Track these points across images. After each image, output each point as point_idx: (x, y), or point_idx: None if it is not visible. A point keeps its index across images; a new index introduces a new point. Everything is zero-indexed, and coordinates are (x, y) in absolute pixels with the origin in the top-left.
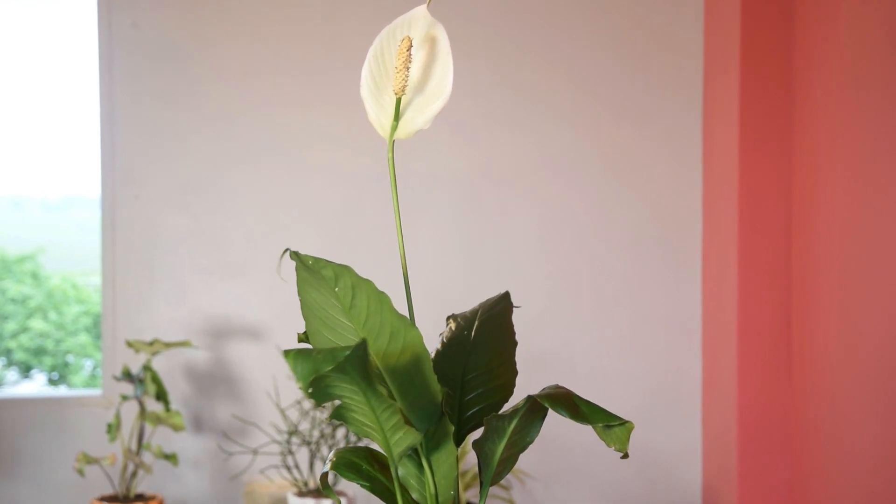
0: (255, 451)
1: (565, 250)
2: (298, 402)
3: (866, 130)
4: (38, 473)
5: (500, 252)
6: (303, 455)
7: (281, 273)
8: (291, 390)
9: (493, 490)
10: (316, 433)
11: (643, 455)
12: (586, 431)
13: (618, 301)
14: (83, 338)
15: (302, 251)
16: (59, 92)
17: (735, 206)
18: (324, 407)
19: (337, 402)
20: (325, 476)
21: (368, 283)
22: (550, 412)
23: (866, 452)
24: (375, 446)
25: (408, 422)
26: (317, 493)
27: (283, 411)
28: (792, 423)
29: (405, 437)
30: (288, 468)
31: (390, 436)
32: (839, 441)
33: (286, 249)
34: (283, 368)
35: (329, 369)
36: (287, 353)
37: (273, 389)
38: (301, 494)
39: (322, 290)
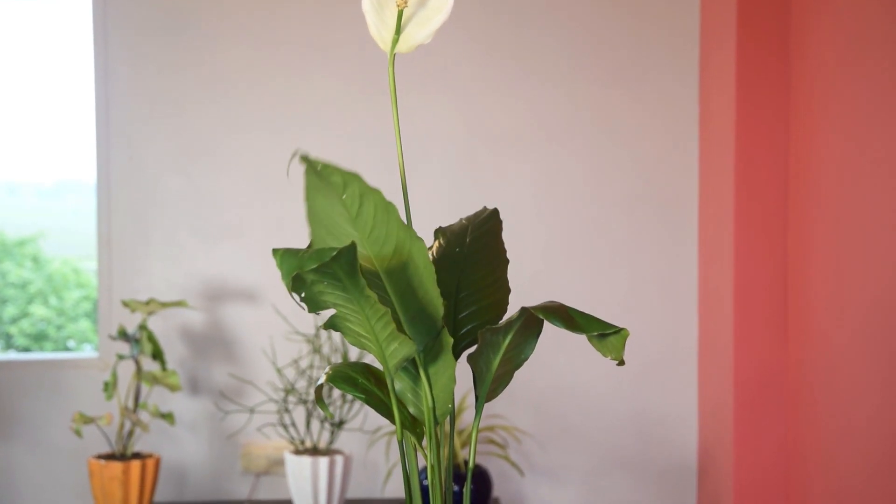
0: (251, 410)
1: (561, 213)
2: (295, 361)
3: (862, 95)
4: (35, 435)
5: None
6: (299, 414)
7: (290, 175)
8: (288, 350)
9: (490, 448)
10: (312, 391)
11: (639, 418)
12: (582, 395)
13: (614, 264)
14: (84, 324)
15: (298, 213)
16: (49, 72)
17: (731, 168)
18: (319, 314)
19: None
20: (319, 389)
21: (377, 192)
22: (548, 377)
23: (863, 414)
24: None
25: (402, 332)
26: (313, 452)
27: (279, 370)
28: (788, 385)
29: (401, 348)
30: (285, 426)
31: (385, 346)
32: (836, 403)
33: (296, 151)
34: (280, 328)
35: (313, 267)
36: (276, 250)
37: (270, 349)
38: (298, 453)
39: (329, 196)
